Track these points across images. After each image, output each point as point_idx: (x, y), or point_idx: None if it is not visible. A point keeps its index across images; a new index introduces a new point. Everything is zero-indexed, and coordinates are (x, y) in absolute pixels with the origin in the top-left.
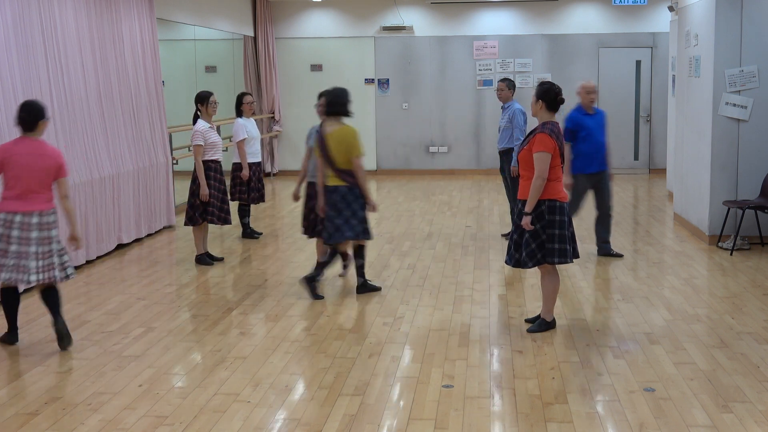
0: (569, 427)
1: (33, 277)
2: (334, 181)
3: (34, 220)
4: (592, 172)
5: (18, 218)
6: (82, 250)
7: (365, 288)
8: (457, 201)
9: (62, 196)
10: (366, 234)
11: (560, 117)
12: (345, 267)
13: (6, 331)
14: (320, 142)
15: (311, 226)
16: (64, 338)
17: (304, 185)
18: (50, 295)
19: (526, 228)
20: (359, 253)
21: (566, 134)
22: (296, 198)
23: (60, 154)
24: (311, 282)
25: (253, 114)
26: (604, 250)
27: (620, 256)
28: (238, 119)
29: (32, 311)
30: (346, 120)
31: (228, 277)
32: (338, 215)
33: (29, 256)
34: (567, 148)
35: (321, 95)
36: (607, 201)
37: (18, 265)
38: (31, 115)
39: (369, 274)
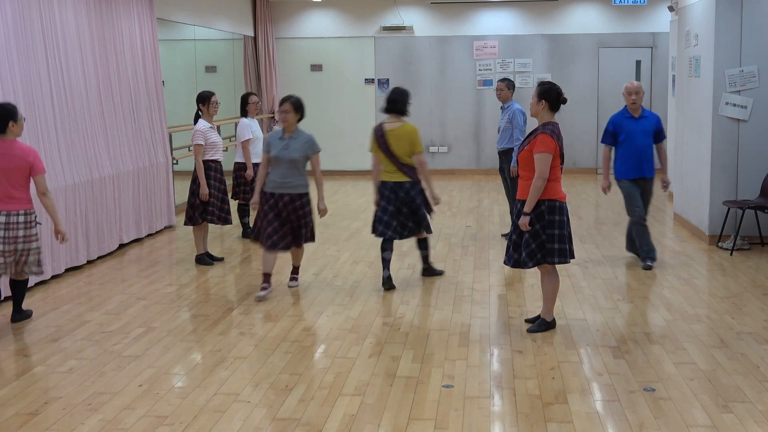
0: (569, 427)
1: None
2: (397, 177)
3: (1, 219)
4: (630, 178)
5: None
6: (82, 249)
7: (430, 272)
8: (457, 201)
9: (40, 194)
10: (428, 228)
11: (586, 116)
12: (264, 289)
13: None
14: (381, 138)
15: (276, 237)
16: (24, 318)
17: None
18: (17, 286)
19: (523, 228)
20: (423, 244)
21: (606, 137)
22: (255, 207)
23: (32, 153)
24: (429, 270)
25: (257, 114)
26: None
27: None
28: (243, 119)
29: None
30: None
31: (228, 277)
32: (398, 212)
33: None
34: (608, 152)
35: (283, 101)
36: (646, 209)
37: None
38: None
39: (369, 274)
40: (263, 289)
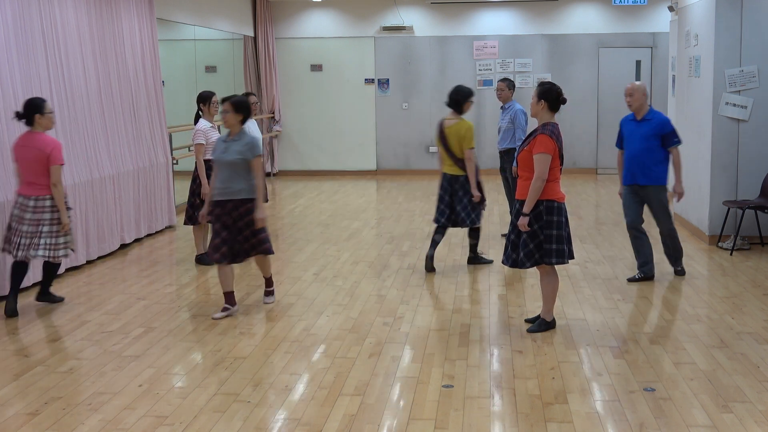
0: (569, 427)
1: (20, 253)
2: (454, 170)
3: (30, 203)
4: (626, 183)
5: (20, 200)
6: (82, 249)
7: (476, 260)
8: None
9: (51, 183)
10: (478, 220)
11: (586, 117)
12: (225, 310)
13: (6, 302)
14: (441, 133)
15: (234, 251)
16: (51, 302)
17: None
18: (48, 268)
19: (522, 229)
20: (474, 234)
21: (617, 140)
22: (204, 219)
23: (51, 144)
24: (476, 258)
25: (255, 114)
26: (675, 270)
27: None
28: None
29: (31, 311)
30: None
31: None
32: (458, 203)
33: (21, 234)
34: (620, 155)
35: (223, 101)
36: (658, 220)
37: (16, 241)
38: (26, 111)
39: (369, 274)
40: (224, 309)
